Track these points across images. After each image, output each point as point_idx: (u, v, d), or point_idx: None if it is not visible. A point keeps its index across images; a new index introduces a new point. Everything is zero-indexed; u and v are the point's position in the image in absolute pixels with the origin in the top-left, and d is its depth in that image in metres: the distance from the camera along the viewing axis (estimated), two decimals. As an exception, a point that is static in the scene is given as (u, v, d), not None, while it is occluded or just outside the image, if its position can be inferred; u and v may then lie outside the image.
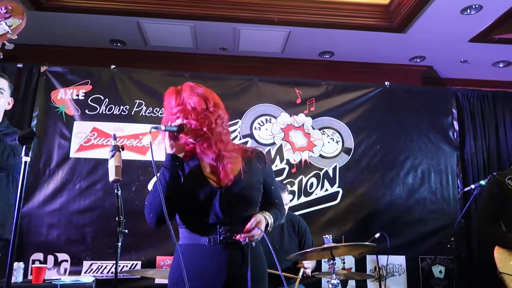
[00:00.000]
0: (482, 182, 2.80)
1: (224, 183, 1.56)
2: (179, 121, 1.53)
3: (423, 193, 3.67)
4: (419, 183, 3.69)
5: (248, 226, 1.50)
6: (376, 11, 3.91)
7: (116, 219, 1.90)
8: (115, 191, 1.88)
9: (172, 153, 1.52)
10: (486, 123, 3.91)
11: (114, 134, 1.85)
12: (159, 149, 1.65)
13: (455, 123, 3.86)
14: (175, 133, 1.51)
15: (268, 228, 1.60)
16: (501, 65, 4.60)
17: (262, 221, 1.55)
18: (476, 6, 3.50)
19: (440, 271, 3.53)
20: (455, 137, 3.83)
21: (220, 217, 1.52)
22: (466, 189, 3.34)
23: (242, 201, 1.56)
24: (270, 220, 1.61)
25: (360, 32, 4.02)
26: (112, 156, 1.76)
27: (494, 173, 2.71)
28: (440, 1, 3.45)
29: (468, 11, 3.57)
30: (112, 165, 1.75)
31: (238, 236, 1.50)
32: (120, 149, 1.80)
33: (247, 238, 1.49)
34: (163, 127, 1.50)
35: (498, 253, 2.54)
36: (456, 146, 3.81)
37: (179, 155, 1.54)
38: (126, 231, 1.89)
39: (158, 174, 1.53)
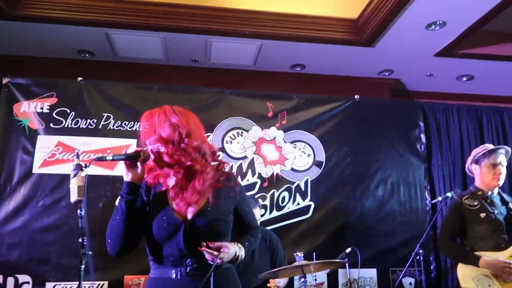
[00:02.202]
0: (448, 194, 2.87)
1: (192, 216, 1.50)
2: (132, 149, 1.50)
3: (393, 205, 3.72)
4: (389, 195, 3.74)
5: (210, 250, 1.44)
6: (346, 25, 3.99)
7: (80, 240, 1.82)
8: (78, 211, 1.81)
9: (129, 180, 1.46)
10: (451, 136, 4.02)
11: (77, 152, 1.77)
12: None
13: (422, 136, 3.95)
14: (134, 161, 1.45)
15: (238, 260, 1.54)
16: (464, 79, 4.78)
17: (229, 247, 1.49)
18: (440, 22, 3.63)
19: (410, 283, 3.58)
20: (422, 149, 3.92)
21: (185, 252, 1.47)
22: (433, 201, 3.42)
23: (208, 235, 1.49)
24: (241, 252, 1.54)
25: (331, 46, 4.09)
26: (74, 175, 1.69)
27: (454, 194, 2.79)
28: (406, 17, 3.56)
29: (433, 27, 3.69)
30: (74, 185, 1.67)
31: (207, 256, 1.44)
32: (83, 168, 1.73)
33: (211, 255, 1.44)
34: (110, 157, 1.44)
35: (461, 269, 2.60)
36: (423, 159, 3.90)
37: (136, 183, 1.47)
38: (90, 253, 1.81)
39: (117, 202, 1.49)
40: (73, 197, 1.68)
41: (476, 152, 2.79)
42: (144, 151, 1.46)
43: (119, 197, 1.48)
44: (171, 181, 1.53)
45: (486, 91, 5.05)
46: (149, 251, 1.55)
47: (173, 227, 1.49)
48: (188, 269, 1.47)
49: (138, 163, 1.46)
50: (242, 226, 1.67)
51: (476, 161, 2.76)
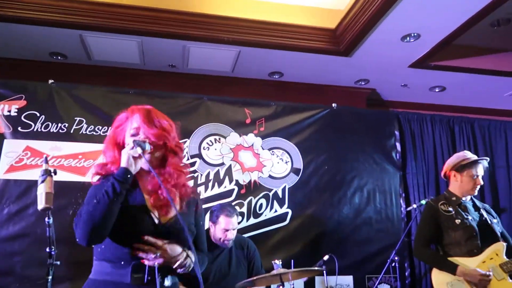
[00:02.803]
0: (423, 202, 2.90)
1: (166, 220, 1.48)
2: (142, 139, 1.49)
3: (369, 213, 3.76)
4: (365, 202, 3.78)
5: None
6: (324, 35, 4.03)
7: (47, 250, 1.73)
8: (46, 219, 1.72)
9: (128, 168, 1.45)
10: (425, 145, 4.12)
11: (46, 157, 1.69)
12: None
13: (398, 145, 4.03)
14: (139, 151, 1.45)
15: (188, 264, 1.51)
16: (437, 90, 4.90)
17: (172, 243, 1.48)
18: (415, 34, 3.72)
19: (386, 290, 3.61)
20: (397, 158, 3.99)
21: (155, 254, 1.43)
22: (408, 208, 3.46)
23: (178, 241, 1.49)
24: (191, 257, 1.51)
25: (308, 55, 4.11)
26: (42, 181, 1.60)
27: (429, 200, 2.82)
28: (382, 28, 3.63)
29: (408, 38, 3.78)
30: (42, 191, 1.59)
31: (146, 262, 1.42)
32: (52, 174, 1.65)
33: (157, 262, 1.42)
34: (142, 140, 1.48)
35: (435, 275, 2.63)
36: (398, 167, 3.97)
37: (133, 172, 1.47)
38: (58, 263, 1.72)
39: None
40: (41, 204, 1.59)
41: (458, 159, 2.81)
42: (148, 143, 1.48)
43: (112, 180, 1.43)
44: (156, 182, 1.52)
45: (458, 102, 5.21)
46: (107, 251, 1.47)
47: (148, 228, 1.45)
48: (150, 277, 1.42)
49: (144, 155, 1.49)
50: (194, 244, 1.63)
51: (458, 169, 2.80)
